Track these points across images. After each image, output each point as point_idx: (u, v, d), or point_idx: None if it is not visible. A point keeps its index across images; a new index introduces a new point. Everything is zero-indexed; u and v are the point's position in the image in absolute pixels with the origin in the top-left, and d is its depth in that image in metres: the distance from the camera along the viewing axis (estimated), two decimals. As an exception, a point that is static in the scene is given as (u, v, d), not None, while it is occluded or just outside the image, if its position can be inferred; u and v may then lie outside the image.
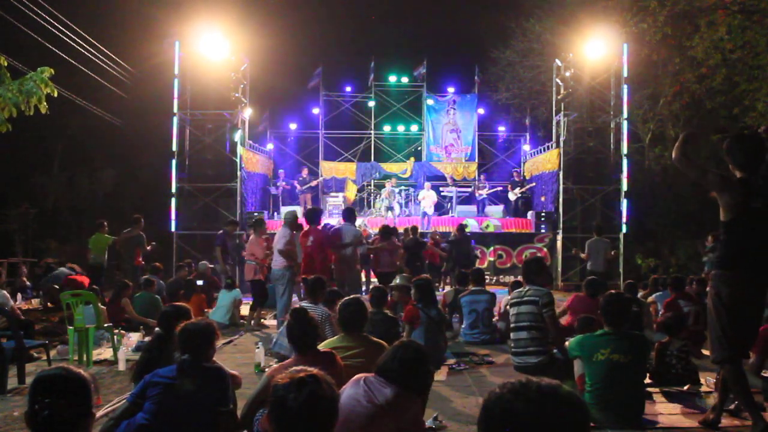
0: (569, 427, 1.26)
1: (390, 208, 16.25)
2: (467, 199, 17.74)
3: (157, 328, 4.43)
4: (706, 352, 3.97)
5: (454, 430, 3.98)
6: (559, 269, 14.34)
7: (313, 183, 17.34)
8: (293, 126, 20.30)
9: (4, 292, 6.86)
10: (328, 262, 8.27)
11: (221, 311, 8.80)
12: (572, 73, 15.06)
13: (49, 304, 9.92)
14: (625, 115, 14.62)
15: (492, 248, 14.48)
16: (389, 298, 7.59)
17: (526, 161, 18.44)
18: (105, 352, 6.69)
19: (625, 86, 14.53)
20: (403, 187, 17.28)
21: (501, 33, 19.75)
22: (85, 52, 15.74)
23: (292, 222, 8.27)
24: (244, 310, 9.36)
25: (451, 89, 20.14)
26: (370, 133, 19.78)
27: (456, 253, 11.64)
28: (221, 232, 10.83)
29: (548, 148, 16.37)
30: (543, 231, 14.93)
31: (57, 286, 9.97)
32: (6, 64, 6.90)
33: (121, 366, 5.95)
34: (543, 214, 15.31)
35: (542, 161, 16.58)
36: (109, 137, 20.32)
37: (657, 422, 4.12)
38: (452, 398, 4.78)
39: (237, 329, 8.50)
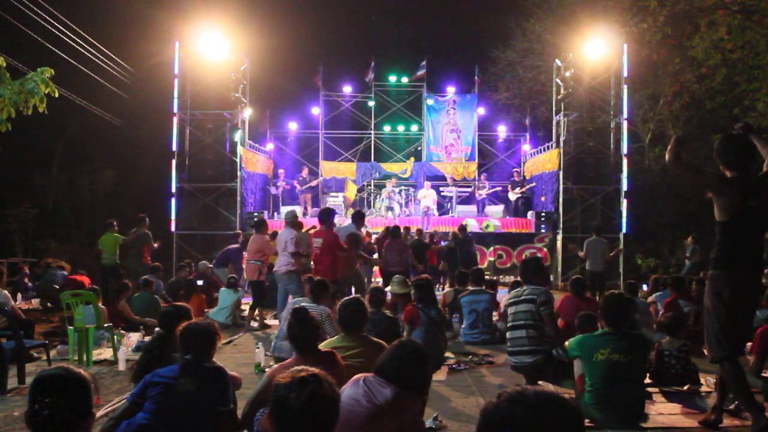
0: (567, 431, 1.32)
1: (390, 208, 16.25)
2: (467, 199, 17.74)
3: (157, 328, 4.43)
4: (707, 352, 3.97)
5: (454, 430, 3.98)
6: (559, 269, 14.33)
7: (313, 183, 17.34)
8: (293, 126, 20.30)
9: (5, 292, 6.85)
10: (335, 265, 8.27)
11: (224, 312, 8.77)
12: (572, 73, 15.06)
13: (48, 304, 9.92)
14: (625, 115, 14.62)
15: (492, 248, 14.48)
16: (389, 299, 7.60)
17: (526, 161, 18.45)
18: (105, 352, 6.68)
19: (625, 86, 14.54)
20: (403, 187, 17.28)
21: (501, 33, 19.76)
22: (85, 52, 15.75)
23: (294, 222, 8.30)
24: (244, 310, 9.37)
25: (451, 89, 20.14)
26: (370, 133, 19.78)
27: (461, 253, 11.65)
28: (236, 247, 10.86)
29: (548, 148, 16.38)
30: (543, 231, 14.94)
31: (57, 286, 9.98)
32: (5, 64, 6.90)
33: (121, 366, 5.95)
34: (543, 214, 15.31)
35: (542, 161, 16.58)
36: (109, 137, 20.33)
37: (657, 422, 4.12)
38: (452, 398, 4.78)
39: (238, 329, 8.50)
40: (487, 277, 9.43)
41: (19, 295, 10.66)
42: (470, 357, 6.30)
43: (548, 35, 18.47)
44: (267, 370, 4.73)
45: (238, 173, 14.48)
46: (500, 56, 19.92)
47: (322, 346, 3.79)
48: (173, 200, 14.07)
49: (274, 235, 9.16)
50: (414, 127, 20.20)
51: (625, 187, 14.36)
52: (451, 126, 19.71)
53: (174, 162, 14.12)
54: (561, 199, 14.70)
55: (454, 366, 5.90)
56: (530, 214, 15.92)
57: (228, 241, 13.44)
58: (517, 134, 20.37)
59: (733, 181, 3.76)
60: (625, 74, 14.49)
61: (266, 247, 8.95)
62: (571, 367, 4.35)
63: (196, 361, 3.11)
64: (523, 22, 19.30)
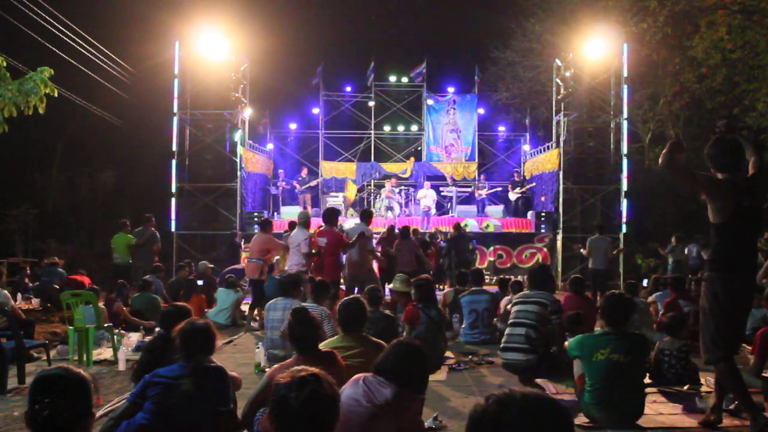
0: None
1: (390, 208, 16.25)
2: (467, 199, 17.74)
3: (158, 328, 4.43)
4: (702, 354, 3.98)
5: (454, 430, 3.98)
6: (559, 269, 14.33)
7: (313, 183, 17.34)
8: (293, 126, 20.30)
9: (5, 292, 6.85)
10: (338, 265, 8.27)
11: (223, 314, 8.74)
12: (572, 73, 15.06)
13: (48, 304, 9.91)
14: (625, 115, 14.62)
15: (492, 248, 14.48)
16: (389, 298, 7.61)
17: (526, 161, 18.45)
18: (105, 352, 6.68)
19: (625, 86, 14.54)
20: (403, 187, 17.28)
21: (501, 33, 19.77)
22: (85, 52, 15.76)
23: (307, 223, 8.41)
24: (245, 310, 9.36)
25: (451, 89, 20.14)
26: (370, 133, 19.77)
27: (454, 252, 11.66)
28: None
29: (548, 148, 16.38)
30: (543, 231, 14.94)
31: (57, 286, 9.97)
32: (5, 64, 6.90)
33: (121, 366, 5.94)
34: (543, 214, 15.31)
35: (542, 161, 16.58)
36: (108, 137, 20.34)
37: (657, 422, 4.12)
38: (452, 398, 4.78)
39: (238, 329, 8.50)
40: (503, 277, 9.43)
41: (19, 295, 10.66)
42: (470, 357, 6.30)
43: (548, 35, 18.48)
44: (267, 370, 4.73)
45: (238, 173, 14.48)
46: (500, 56, 19.92)
47: (322, 346, 3.79)
48: (173, 200, 14.07)
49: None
50: (414, 127, 20.19)
51: (625, 187, 14.36)
52: (451, 126, 19.71)
53: (174, 162, 14.12)
54: (561, 199, 14.70)
55: (454, 366, 5.90)
56: (530, 214, 15.92)
57: (227, 241, 13.47)
58: (517, 134, 20.36)
59: (726, 183, 3.78)
60: (625, 74, 14.49)
61: (272, 245, 8.96)
62: (565, 366, 4.34)
63: (195, 361, 3.11)
64: (523, 22, 19.30)
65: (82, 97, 17.21)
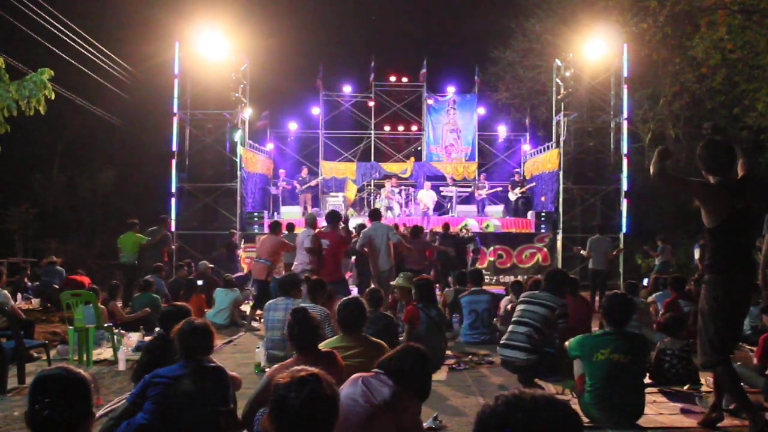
0: None
1: (390, 208, 16.24)
2: (467, 199, 17.72)
3: (158, 329, 4.43)
4: (699, 356, 3.98)
5: (454, 430, 3.98)
6: (559, 269, 14.32)
7: (313, 183, 17.32)
8: (293, 126, 20.29)
9: (5, 292, 6.85)
10: (338, 266, 8.28)
11: (222, 314, 8.75)
12: (572, 73, 15.06)
13: (48, 304, 9.91)
14: (625, 115, 14.62)
15: (492, 248, 14.48)
16: (391, 297, 7.62)
17: (526, 161, 18.44)
18: (105, 352, 6.68)
19: (625, 86, 14.53)
20: (403, 187, 17.28)
21: (501, 33, 19.78)
22: (85, 52, 15.76)
23: (314, 223, 8.55)
24: (245, 310, 9.37)
25: (451, 89, 20.12)
26: (370, 133, 19.76)
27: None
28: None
29: (548, 148, 16.37)
30: (543, 231, 14.93)
31: (57, 286, 9.97)
32: (5, 64, 6.90)
33: (121, 366, 5.94)
34: (543, 214, 15.31)
35: (542, 161, 16.58)
36: (108, 137, 20.37)
37: (657, 422, 4.12)
38: (452, 398, 4.78)
39: (237, 329, 8.50)
40: (518, 278, 9.43)
41: (19, 295, 10.66)
42: (470, 357, 6.30)
43: (548, 35, 18.48)
44: (267, 370, 4.73)
45: (238, 173, 14.49)
46: (500, 56, 19.93)
47: (322, 346, 3.80)
48: (173, 200, 14.07)
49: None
50: (414, 127, 20.19)
51: (625, 187, 14.35)
52: (451, 126, 19.70)
53: (174, 162, 14.11)
54: (561, 199, 14.70)
55: (454, 366, 5.90)
56: (530, 214, 15.91)
57: (225, 241, 13.46)
58: (517, 134, 20.35)
59: (718, 186, 3.79)
60: (625, 74, 14.48)
61: (281, 246, 9.07)
62: (562, 366, 4.34)
63: (195, 361, 3.11)
64: (523, 22, 19.31)
65: (82, 97, 17.23)
